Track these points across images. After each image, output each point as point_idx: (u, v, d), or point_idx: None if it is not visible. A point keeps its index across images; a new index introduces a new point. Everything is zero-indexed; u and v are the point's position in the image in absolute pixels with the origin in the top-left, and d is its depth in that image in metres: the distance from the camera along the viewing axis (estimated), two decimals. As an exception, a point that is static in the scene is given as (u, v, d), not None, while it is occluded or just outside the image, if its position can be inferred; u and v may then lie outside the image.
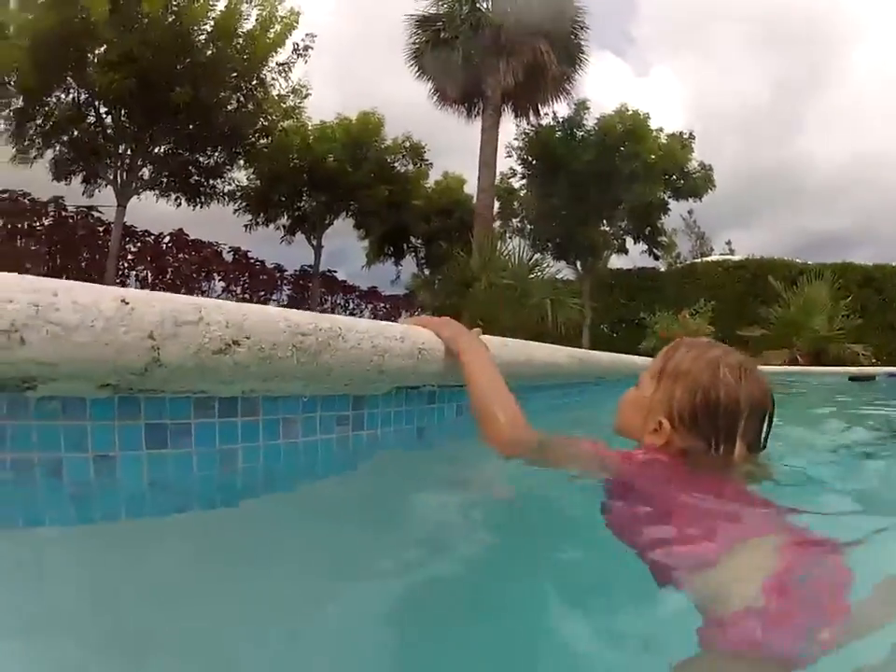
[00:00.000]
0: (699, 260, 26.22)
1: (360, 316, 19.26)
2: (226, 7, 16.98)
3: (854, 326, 15.21)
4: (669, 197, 23.34)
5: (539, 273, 14.33)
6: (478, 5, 20.30)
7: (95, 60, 15.87)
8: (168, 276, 19.98)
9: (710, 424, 1.45)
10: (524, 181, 23.85)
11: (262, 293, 22.59)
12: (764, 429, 1.48)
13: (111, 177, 17.49)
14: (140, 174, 17.99)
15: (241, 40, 17.42)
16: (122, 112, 16.95)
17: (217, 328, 1.02)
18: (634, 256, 24.49)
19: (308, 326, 1.20)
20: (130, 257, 19.25)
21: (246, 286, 22.23)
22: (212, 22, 16.78)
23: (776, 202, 65.63)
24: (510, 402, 1.47)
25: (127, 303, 0.91)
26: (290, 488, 1.27)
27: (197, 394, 1.08)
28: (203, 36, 16.74)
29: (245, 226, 22.95)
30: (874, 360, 14.51)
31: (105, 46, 15.58)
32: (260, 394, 1.19)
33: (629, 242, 24.20)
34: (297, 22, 18.23)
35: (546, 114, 22.19)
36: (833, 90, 62.30)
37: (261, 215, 23.00)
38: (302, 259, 24.54)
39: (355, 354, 1.30)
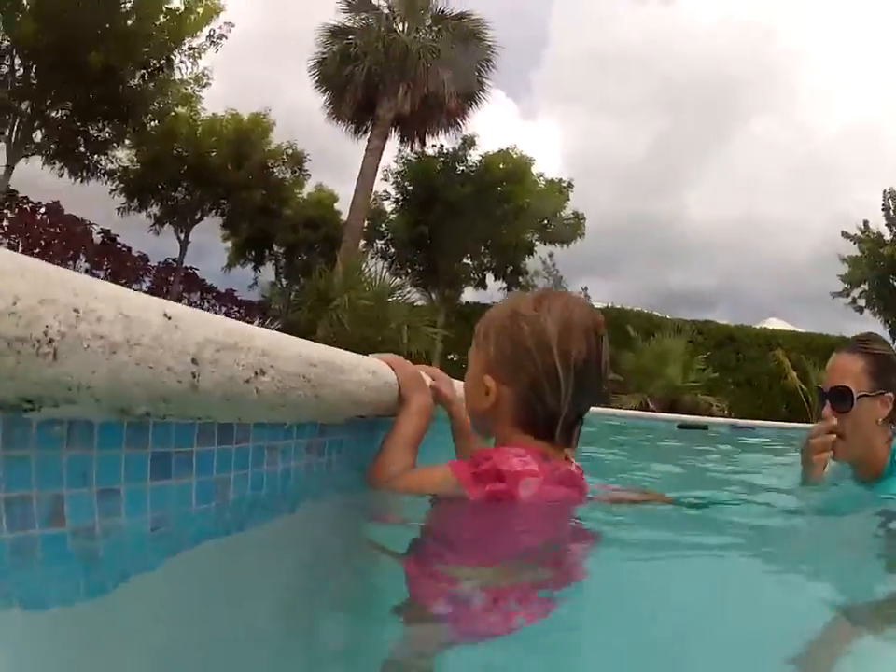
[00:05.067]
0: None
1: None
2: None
3: (709, 379, 16.24)
4: (537, 240, 23.97)
5: (398, 298, 14.35)
6: (394, 26, 20.60)
7: (26, 4, 15.18)
8: (38, 250, 18.50)
9: (523, 360, 1.46)
10: (395, 206, 23.82)
11: (125, 281, 21.52)
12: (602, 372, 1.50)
13: (6, 134, 16.34)
14: (33, 135, 17.02)
15: (164, 16, 17.03)
16: (34, 67, 16.02)
17: (251, 355, 0.95)
18: (492, 291, 24.75)
19: (314, 357, 1.17)
20: (5, 222, 17.90)
21: (109, 271, 21.00)
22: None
23: (639, 255, 69.18)
24: (407, 458, 1.52)
25: (170, 318, 0.81)
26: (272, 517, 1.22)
27: (202, 419, 0.98)
28: (129, 3, 16.28)
29: (119, 209, 22.04)
30: (728, 412, 15.47)
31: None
32: (252, 421, 1.12)
33: (489, 277, 24.54)
34: (219, 10, 18.09)
35: (433, 145, 22.48)
36: (718, 156, 66.61)
37: (135, 200, 22.12)
38: (166, 251, 23.63)
39: (347, 386, 1.30)
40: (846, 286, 27.20)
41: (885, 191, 26.43)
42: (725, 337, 20.64)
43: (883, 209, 26.37)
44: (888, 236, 26.17)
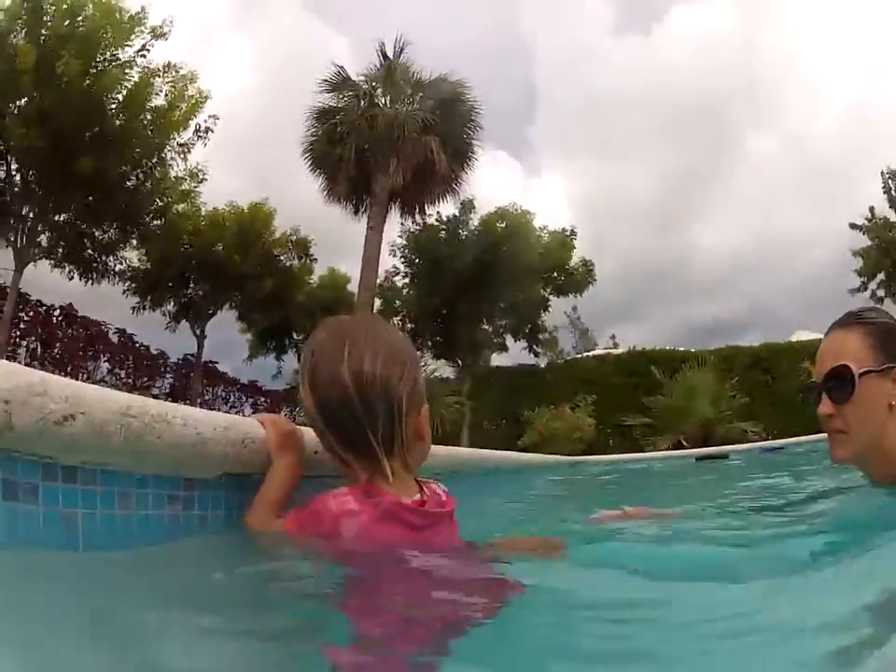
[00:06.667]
0: (579, 356, 26.66)
1: (241, 410, 18.54)
2: (139, 77, 16.94)
3: (741, 405, 16.08)
4: (550, 294, 23.97)
5: (417, 372, 14.48)
6: (376, 100, 20.95)
7: (15, 111, 15.55)
8: (56, 351, 19.11)
9: (321, 409, 1.47)
10: (406, 280, 23.99)
11: (146, 379, 21.82)
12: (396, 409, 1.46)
13: (11, 238, 16.83)
14: (38, 239, 17.44)
15: (149, 115, 17.39)
16: (31, 172, 16.51)
17: (59, 401, 1.15)
18: (514, 352, 24.87)
19: (133, 407, 1.30)
20: (22, 325, 18.38)
21: (130, 370, 21.46)
22: (125, 92, 16.70)
23: (661, 293, 68.82)
24: (261, 514, 1.52)
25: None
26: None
27: (44, 459, 1.19)
28: (114, 105, 16.62)
29: (133, 308, 22.49)
30: (765, 436, 15.21)
31: (24, 99, 15.36)
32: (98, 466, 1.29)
33: (509, 339, 24.52)
34: (203, 104, 18.33)
35: (430, 214, 22.61)
36: (721, 180, 66.35)
37: (149, 298, 22.61)
38: (186, 347, 24.07)
39: (179, 439, 1.40)
40: (862, 279, 25.92)
41: (882, 173, 25.43)
42: (753, 359, 20.30)
43: (884, 190, 25.38)
44: (893, 218, 25.15)
